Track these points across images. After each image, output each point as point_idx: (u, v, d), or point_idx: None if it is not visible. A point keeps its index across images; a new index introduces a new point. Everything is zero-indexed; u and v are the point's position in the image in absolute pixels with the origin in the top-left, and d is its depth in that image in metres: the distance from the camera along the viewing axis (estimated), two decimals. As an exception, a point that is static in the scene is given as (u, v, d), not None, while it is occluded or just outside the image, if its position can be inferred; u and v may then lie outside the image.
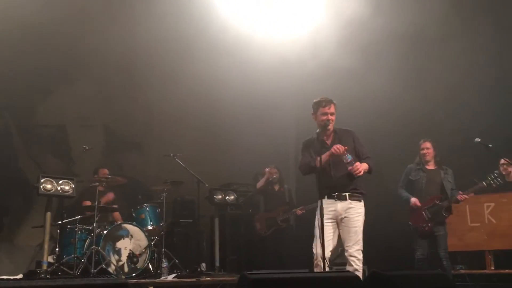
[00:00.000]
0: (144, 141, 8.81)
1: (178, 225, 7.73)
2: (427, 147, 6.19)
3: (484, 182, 5.86)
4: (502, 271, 6.08)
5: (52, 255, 6.28)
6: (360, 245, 4.53)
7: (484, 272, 6.25)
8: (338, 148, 4.51)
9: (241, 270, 4.87)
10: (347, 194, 4.61)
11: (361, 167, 4.53)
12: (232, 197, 7.79)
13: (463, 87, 7.09)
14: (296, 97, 9.06)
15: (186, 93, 8.13)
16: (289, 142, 9.55)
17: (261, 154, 8.69)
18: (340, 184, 4.64)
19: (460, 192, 5.96)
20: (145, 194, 7.71)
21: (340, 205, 4.61)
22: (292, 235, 8.15)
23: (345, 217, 4.58)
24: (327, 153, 4.61)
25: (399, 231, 6.38)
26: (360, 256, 4.51)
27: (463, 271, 6.35)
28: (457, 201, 6.01)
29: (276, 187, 7.80)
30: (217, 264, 7.35)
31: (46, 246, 6.10)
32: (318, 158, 4.52)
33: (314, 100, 4.79)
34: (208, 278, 6.14)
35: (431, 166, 6.22)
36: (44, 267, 5.98)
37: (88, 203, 6.73)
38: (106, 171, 7.16)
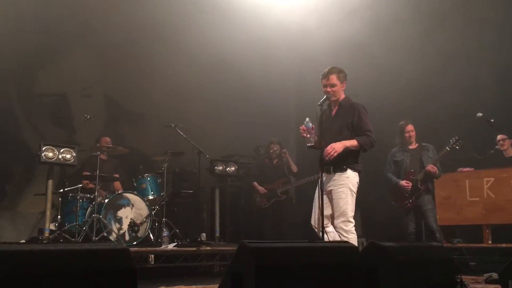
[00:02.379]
0: (146, 111, 8.79)
1: (178, 195, 7.78)
2: (411, 130, 6.46)
3: (446, 147, 6.11)
4: (499, 245, 6.15)
5: (54, 223, 6.36)
6: (346, 217, 4.42)
7: (481, 246, 6.32)
8: (301, 129, 4.49)
9: (241, 240, 4.91)
10: (331, 167, 4.54)
11: (334, 150, 4.39)
12: (233, 168, 7.82)
13: (463, 59, 7.04)
14: (298, 67, 8.99)
15: (188, 63, 8.08)
16: (290, 113, 9.53)
17: (263, 126, 8.69)
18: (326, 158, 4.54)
19: (430, 164, 6.19)
20: (146, 164, 7.74)
21: (326, 178, 4.54)
22: (291, 207, 8.22)
23: (330, 189, 4.54)
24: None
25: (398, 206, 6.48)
26: (348, 227, 4.40)
27: (460, 245, 6.43)
28: (432, 173, 6.22)
29: (275, 161, 7.82)
30: (217, 234, 7.44)
31: (48, 214, 6.16)
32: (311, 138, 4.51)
33: None
34: (208, 248, 6.22)
35: (413, 146, 6.50)
36: (46, 234, 6.05)
37: (87, 181, 6.78)
38: (108, 139, 7.16)
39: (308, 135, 4.49)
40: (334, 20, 7.41)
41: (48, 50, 7.78)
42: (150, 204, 6.72)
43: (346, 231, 4.40)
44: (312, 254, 3.01)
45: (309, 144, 4.53)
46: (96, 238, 5.98)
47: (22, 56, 7.30)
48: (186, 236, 6.85)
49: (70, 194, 6.53)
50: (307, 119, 4.51)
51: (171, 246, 6.14)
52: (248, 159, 8.65)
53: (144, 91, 8.45)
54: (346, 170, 4.50)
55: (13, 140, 7.55)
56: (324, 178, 4.47)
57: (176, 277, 5.66)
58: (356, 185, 4.54)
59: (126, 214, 6.44)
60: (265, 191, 7.57)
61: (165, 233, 6.49)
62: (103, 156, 6.82)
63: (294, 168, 7.72)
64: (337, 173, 4.51)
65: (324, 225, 4.39)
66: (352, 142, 4.49)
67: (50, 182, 6.25)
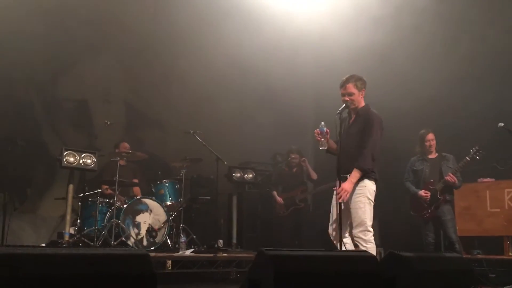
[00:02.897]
0: (164, 117, 8.86)
1: (196, 201, 7.81)
2: (432, 139, 6.38)
3: (467, 157, 6.04)
4: (520, 257, 6.06)
5: (74, 227, 6.44)
6: (364, 226, 4.35)
7: (501, 258, 6.22)
8: (316, 133, 4.50)
9: (258, 248, 4.92)
10: (347, 175, 4.46)
11: (346, 191, 4.32)
12: (251, 175, 7.85)
13: (484, 68, 6.96)
14: (317, 74, 9.00)
15: (207, 70, 8.14)
16: (308, 121, 9.52)
17: (280, 134, 8.70)
18: (343, 165, 4.48)
19: (449, 173, 6.10)
20: (165, 170, 7.80)
21: None
22: (309, 215, 8.20)
23: (348, 198, 4.44)
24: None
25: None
26: (367, 237, 4.33)
27: (480, 256, 6.33)
28: (452, 183, 6.12)
29: (294, 169, 7.81)
30: (234, 241, 7.46)
31: (68, 218, 6.26)
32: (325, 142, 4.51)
33: None
34: (225, 254, 6.23)
35: (432, 155, 6.43)
36: (66, 238, 6.14)
37: (106, 186, 6.85)
38: (127, 145, 7.25)
39: (323, 139, 4.49)
40: (355, 28, 7.40)
41: (69, 56, 7.91)
42: (168, 210, 6.78)
43: (365, 240, 4.33)
44: (331, 262, 3.01)
45: (322, 148, 4.54)
46: (115, 243, 6.05)
47: (44, 62, 7.44)
48: (203, 243, 6.89)
49: (90, 199, 6.61)
50: (322, 123, 4.54)
51: (188, 252, 6.17)
52: (266, 166, 8.66)
53: (163, 97, 8.53)
54: (363, 179, 4.45)
55: (35, 145, 7.66)
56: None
57: (193, 283, 5.68)
58: (373, 194, 4.49)
59: (144, 220, 6.51)
60: (282, 202, 7.58)
61: (183, 239, 6.53)
62: (122, 162, 6.89)
63: (314, 176, 7.71)
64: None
65: (342, 235, 4.39)
66: (356, 174, 4.41)
67: (71, 186, 6.35)
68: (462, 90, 7.11)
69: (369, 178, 4.50)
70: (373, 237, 4.40)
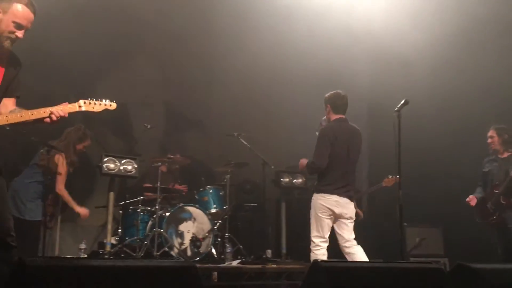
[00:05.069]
0: (206, 120, 8.94)
1: (242, 209, 7.86)
2: (491, 136, 6.22)
3: None
4: None
5: (115, 236, 6.61)
6: (313, 233, 5.07)
7: None
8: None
9: (310, 259, 4.93)
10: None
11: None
12: (300, 180, 7.79)
13: None
14: (371, 69, 8.87)
15: (249, 68, 8.16)
16: (362, 116, 9.36)
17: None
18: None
19: None
20: (208, 175, 7.88)
21: None
22: (363, 219, 8.06)
23: None
24: None
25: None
26: (311, 246, 5.04)
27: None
28: None
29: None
30: (284, 251, 7.43)
31: (109, 227, 6.42)
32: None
33: None
34: (274, 266, 6.25)
35: (504, 154, 6.20)
36: (108, 248, 6.30)
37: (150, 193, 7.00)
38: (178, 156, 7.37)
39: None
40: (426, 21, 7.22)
41: (106, 60, 8.10)
42: (212, 218, 6.85)
43: (314, 244, 5.03)
44: (392, 275, 2.96)
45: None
46: (158, 253, 6.18)
47: (81, 65, 7.64)
48: (250, 253, 6.93)
49: (131, 207, 6.77)
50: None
51: (235, 263, 6.21)
52: (317, 169, 8.57)
53: (204, 98, 8.61)
54: (313, 191, 5.22)
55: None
56: None
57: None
58: (320, 207, 5.05)
59: (187, 229, 6.61)
60: None
61: (229, 249, 6.60)
62: (163, 168, 7.03)
63: None
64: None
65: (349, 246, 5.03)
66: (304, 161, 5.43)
67: (112, 194, 6.51)
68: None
69: (316, 191, 5.20)
70: (318, 249, 5.00)
